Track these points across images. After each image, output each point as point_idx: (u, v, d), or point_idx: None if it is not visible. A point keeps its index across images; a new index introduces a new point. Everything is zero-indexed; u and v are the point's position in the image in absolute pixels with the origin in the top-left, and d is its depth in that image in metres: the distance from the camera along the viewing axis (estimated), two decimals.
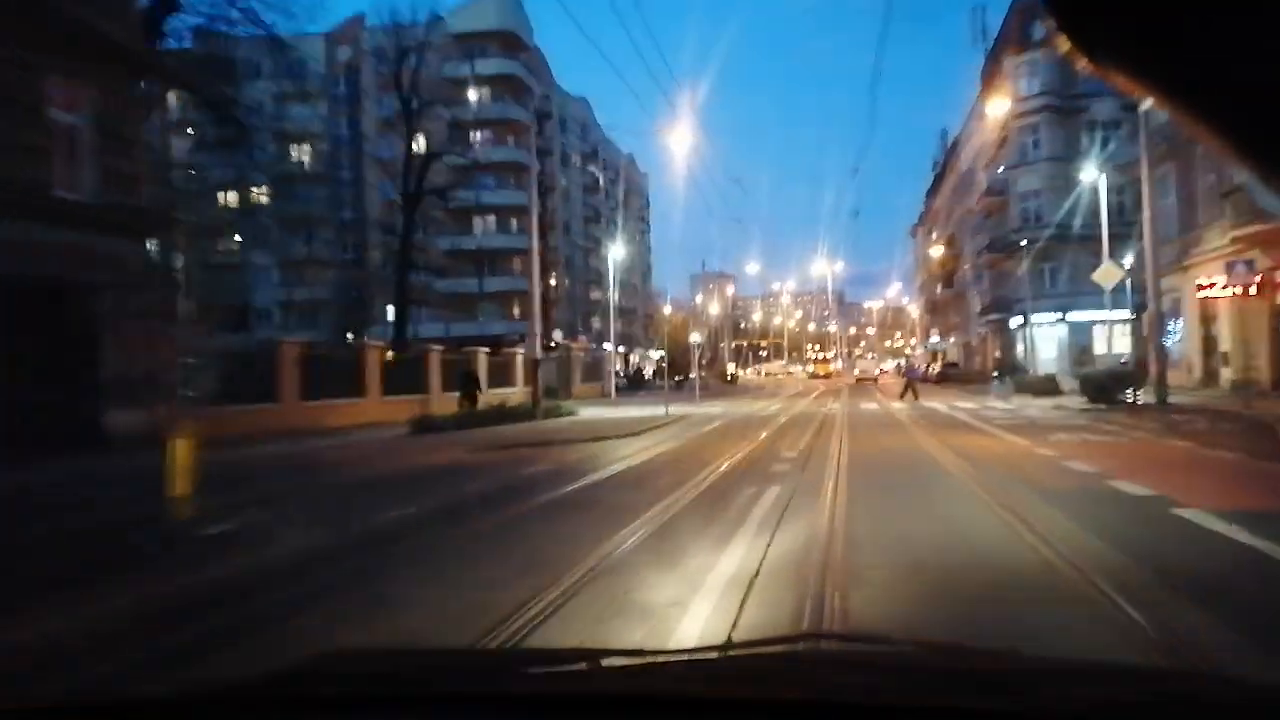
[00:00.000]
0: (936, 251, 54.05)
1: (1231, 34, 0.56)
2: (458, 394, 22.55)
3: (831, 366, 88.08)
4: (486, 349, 28.60)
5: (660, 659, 1.56)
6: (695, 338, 26.66)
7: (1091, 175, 26.34)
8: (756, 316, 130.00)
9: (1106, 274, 21.95)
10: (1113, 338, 46.15)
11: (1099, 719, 1.06)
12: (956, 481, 8.57)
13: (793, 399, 32.84)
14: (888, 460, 10.71)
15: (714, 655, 1.57)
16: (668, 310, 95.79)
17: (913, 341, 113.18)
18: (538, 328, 21.27)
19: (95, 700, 1.31)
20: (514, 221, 51.82)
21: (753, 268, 57.61)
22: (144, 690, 1.40)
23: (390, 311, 53.72)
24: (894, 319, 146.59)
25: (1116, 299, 44.49)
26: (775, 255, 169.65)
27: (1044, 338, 45.42)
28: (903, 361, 30.86)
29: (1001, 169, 49.94)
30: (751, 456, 11.78)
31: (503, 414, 20.61)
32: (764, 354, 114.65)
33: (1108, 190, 44.54)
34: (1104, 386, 20.13)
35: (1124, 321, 45.11)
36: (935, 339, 66.84)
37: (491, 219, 50.65)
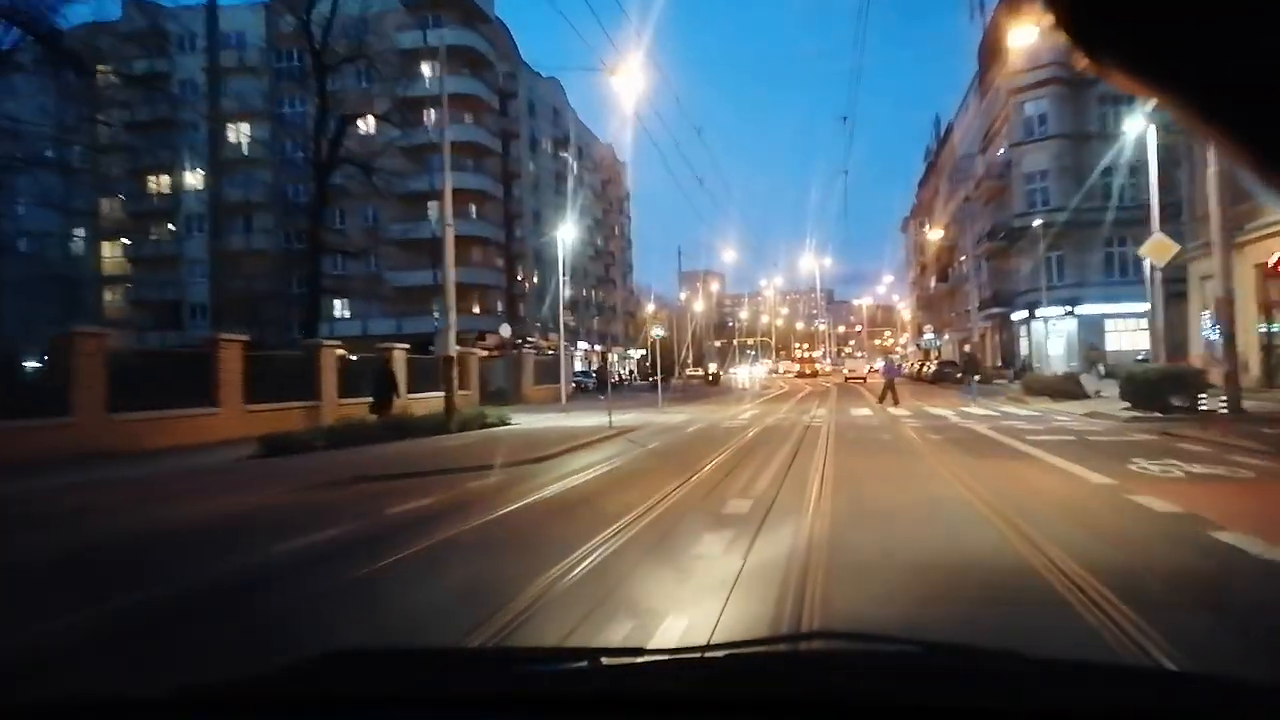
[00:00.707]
0: (936, 235, 49.91)
1: (1231, 32, 0.56)
2: (372, 400, 18.37)
3: (819, 365, 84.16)
4: (406, 345, 24.33)
5: (660, 658, 1.52)
6: (657, 332, 22.48)
7: (1138, 126, 22.15)
8: (744, 315, 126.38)
9: (1157, 248, 17.84)
10: (1121, 333, 42.64)
11: (1100, 719, 1.07)
12: (1055, 591, 4.17)
13: (773, 402, 28.74)
14: (906, 531, 6.01)
15: (714, 655, 1.46)
16: (651, 308, 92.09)
17: (903, 339, 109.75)
18: (452, 319, 17.12)
19: (95, 700, 1.28)
20: (474, 208, 47.53)
21: (729, 254, 53.39)
22: (144, 690, 1.29)
23: (337, 307, 49.54)
24: (884, 317, 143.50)
25: (1129, 291, 40.83)
26: (763, 254, 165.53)
27: (1051, 333, 41.51)
28: (888, 360, 26.83)
29: (1002, 151, 46.01)
30: (678, 508, 7.61)
31: (405, 426, 16.45)
32: (752, 353, 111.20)
33: (1126, 169, 40.83)
34: (1155, 390, 16.09)
35: (1138, 315, 41.36)
36: (929, 335, 62.96)
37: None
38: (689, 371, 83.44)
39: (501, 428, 18.50)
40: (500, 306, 51.13)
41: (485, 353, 36.41)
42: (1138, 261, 41.13)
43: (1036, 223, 37.82)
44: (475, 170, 46.38)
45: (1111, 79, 0.62)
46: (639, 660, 1.51)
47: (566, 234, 27.34)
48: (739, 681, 1.21)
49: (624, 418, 21.26)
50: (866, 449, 12.01)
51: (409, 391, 21.68)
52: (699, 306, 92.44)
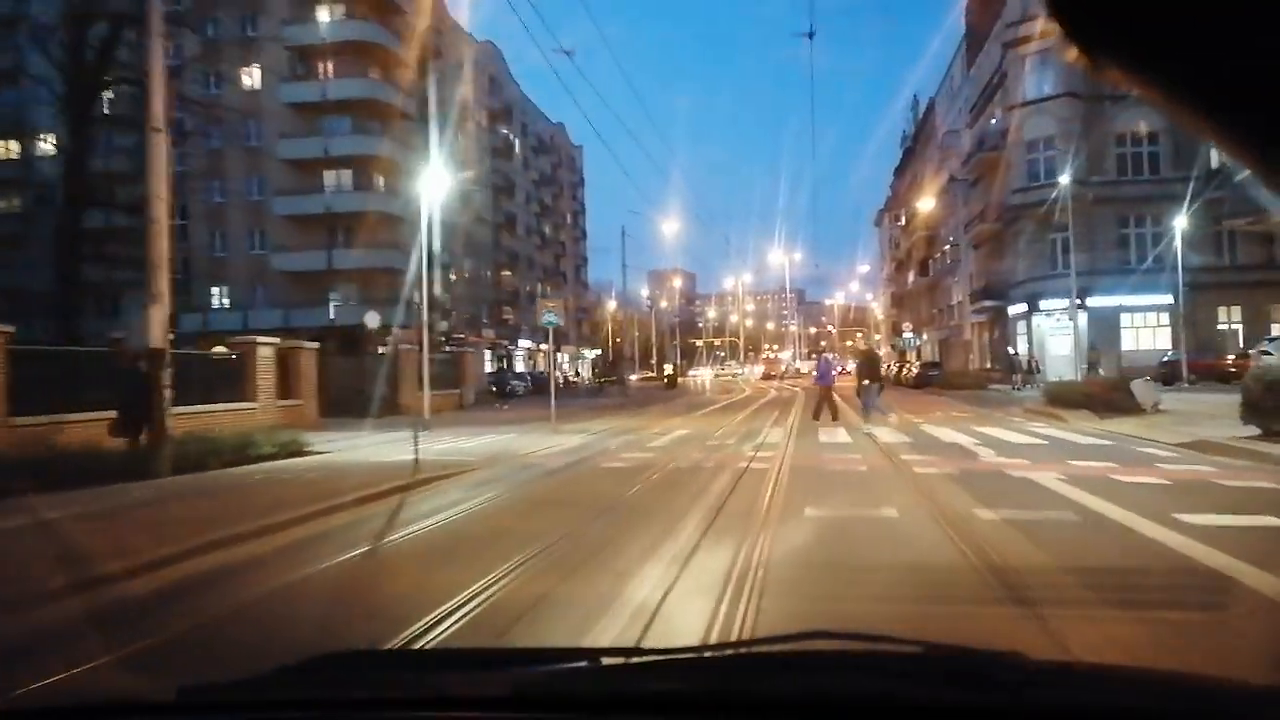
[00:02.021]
0: (927, 204, 42.98)
1: (1229, 31, 0.56)
2: (116, 415, 11.45)
3: (783, 366, 77.98)
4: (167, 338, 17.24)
5: (661, 658, 1.49)
6: (551, 318, 15.73)
7: None
8: (713, 314, 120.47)
9: None
10: (1139, 329, 36.49)
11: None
12: None
13: (719, 415, 22.01)
14: None
15: (714, 655, 1.48)
16: (612, 306, 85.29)
17: (876, 337, 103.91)
18: (162, 291, 10.20)
19: (95, 700, 1.28)
20: (380, 179, 40.40)
21: (671, 225, 46.81)
22: (144, 690, 1.34)
23: (217, 294, 42.19)
24: (858, 317, 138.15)
25: (1149, 281, 34.71)
26: (732, 252, 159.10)
27: (1055, 330, 35.28)
28: (822, 360, 20.10)
29: (996, 119, 39.77)
30: None
31: (80, 465, 9.55)
32: (722, 354, 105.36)
33: (1146, 135, 34.49)
34: None
35: (1159, 308, 35.24)
36: (908, 334, 56.75)
37: (347, 175, 39.16)
38: (644, 374, 77.38)
39: (253, 466, 11.59)
40: (417, 296, 43.96)
41: (382, 350, 29.56)
42: (1160, 244, 35.30)
43: (1053, 196, 31.31)
44: (382, 134, 39.26)
45: (1111, 77, 0.61)
46: (639, 660, 1.47)
47: (436, 191, 20.37)
48: (739, 681, 1.21)
49: (479, 442, 14.56)
50: (862, 560, 5.26)
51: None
52: (663, 304, 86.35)
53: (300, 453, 13.21)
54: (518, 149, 61.81)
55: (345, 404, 22.17)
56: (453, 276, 49.66)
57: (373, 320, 23.59)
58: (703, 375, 71.34)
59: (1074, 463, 9.58)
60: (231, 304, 39.84)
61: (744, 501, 7.36)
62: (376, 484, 8.95)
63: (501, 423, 18.94)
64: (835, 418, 17.15)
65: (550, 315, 16.88)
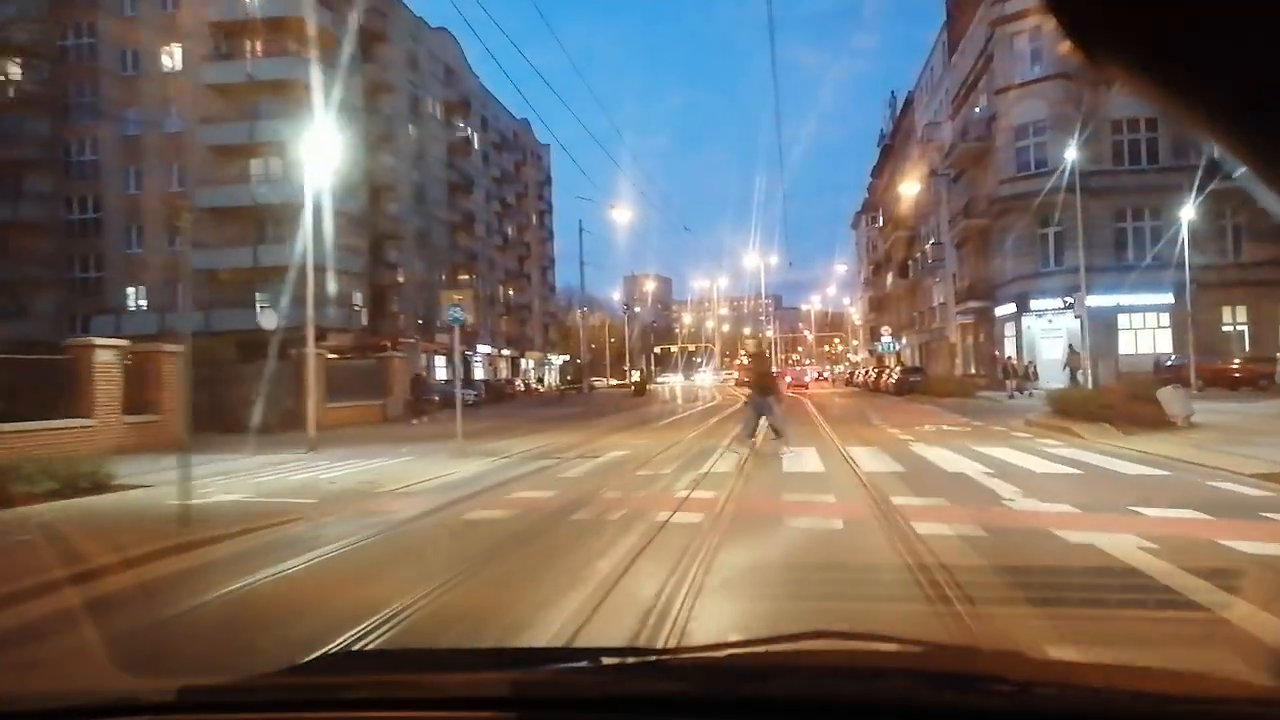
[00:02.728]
0: (910, 190, 39.50)
1: (1231, 33, 0.55)
2: None
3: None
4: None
5: (662, 658, 1.51)
6: (456, 315, 12.42)
7: None
8: (689, 319, 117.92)
9: None
10: (1137, 330, 33.85)
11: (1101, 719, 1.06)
12: None
13: (674, 429, 18.83)
14: None
15: (714, 655, 1.45)
16: (583, 311, 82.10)
17: (854, 343, 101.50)
18: None
19: (96, 700, 1.29)
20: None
21: (623, 211, 43.79)
22: (145, 690, 1.29)
23: (133, 295, 38.52)
24: (834, 322, 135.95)
25: (1148, 279, 32.09)
26: (707, 256, 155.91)
27: (1046, 332, 32.56)
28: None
29: (980, 108, 37.12)
30: None
31: None
32: (699, 360, 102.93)
33: (1144, 119, 31.64)
34: None
35: (1159, 308, 32.57)
36: (887, 339, 53.98)
37: (277, 164, 35.75)
38: (616, 380, 74.40)
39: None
40: (360, 298, 40.61)
41: (333, 354, 26.35)
42: (1160, 240, 32.69)
43: (1049, 186, 28.59)
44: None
45: (1112, 77, 0.60)
46: (639, 660, 1.46)
47: (323, 173, 17.12)
48: (739, 681, 1.20)
49: (353, 471, 11.52)
50: None
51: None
52: (636, 309, 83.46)
53: (104, 488, 10.00)
54: (476, 144, 58.54)
55: (237, 418, 18.87)
56: (401, 278, 46.37)
57: (270, 321, 20.29)
58: (672, 381, 68.36)
59: (1143, 512, 6.58)
60: (150, 305, 36.26)
61: (625, 618, 4.23)
62: (89, 558, 5.81)
63: (410, 439, 15.77)
64: (779, 434, 13.71)
65: (456, 311, 13.65)
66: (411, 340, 44.58)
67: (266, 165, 35.73)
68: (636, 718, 1.12)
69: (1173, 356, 28.86)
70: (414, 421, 21.05)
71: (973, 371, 39.32)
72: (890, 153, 67.17)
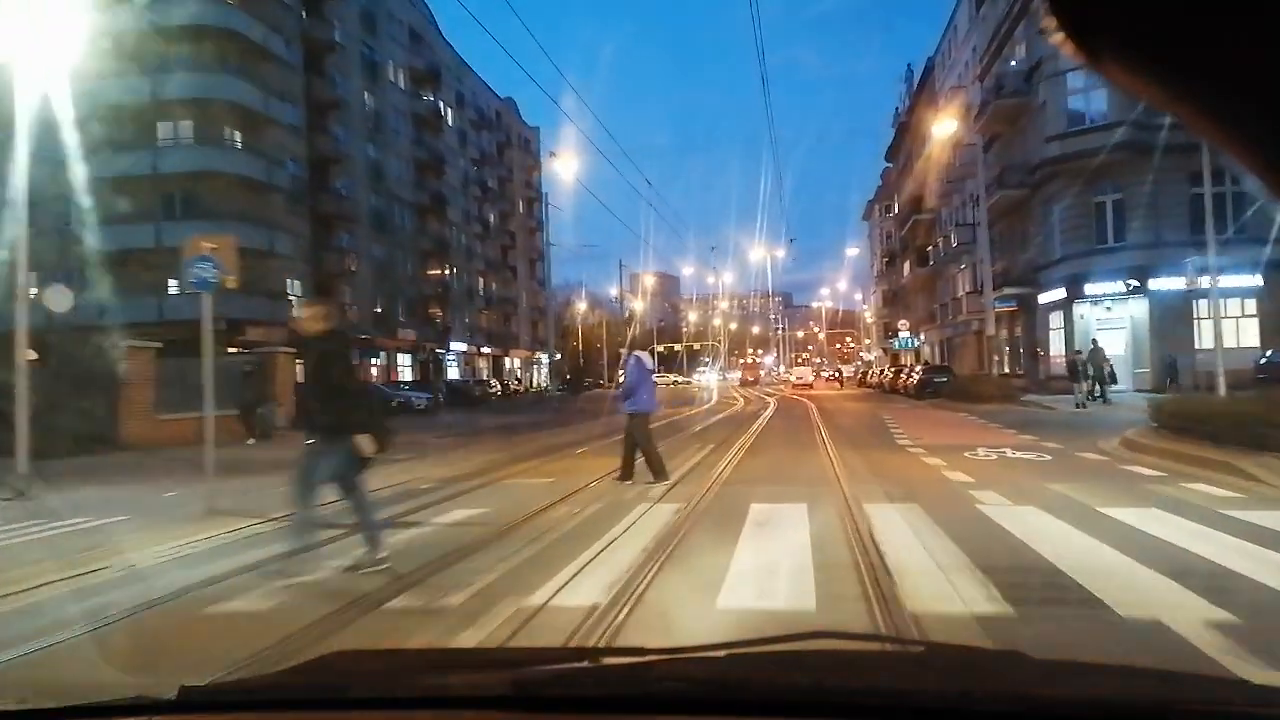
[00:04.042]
0: (944, 128, 31.70)
1: (1236, 35, 0.54)
2: None
3: (763, 371, 70.27)
4: None
5: (661, 658, 1.47)
6: (202, 274, 6.90)
7: None
8: (694, 318, 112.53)
9: None
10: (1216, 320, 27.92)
11: (1101, 719, 1.05)
12: None
13: (590, 459, 13.30)
14: None
15: (716, 654, 1.45)
16: (582, 307, 76.82)
17: (866, 342, 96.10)
18: None
19: (96, 700, 1.29)
20: (234, 132, 31.62)
21: (567, 161, 38.28)
22: (145, 690, 1.29)
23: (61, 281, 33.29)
24: (845, 320, 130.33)
25: (1232, 258, 26.24)
26: (714, 253, 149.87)
27: (1104, 322, 26.91)
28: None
29: (1015, 60, 31.47)
30: None
31: None
32: (706, 359, 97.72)
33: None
34: None
35: (1245, 293, 26.75)
36: (904, 334, 48.33)
37: (187, 126, 30.43)
38: (616, 380, 69.09)
39: None
40: (296, 286, 35.23)
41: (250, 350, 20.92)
42: (1248, 208, 26.91)
43: (1084, 148, 23.01)
44: (239, 74, 30.58)
45: (1117, 82, 0.58)
46: (640, 660, 1.47)
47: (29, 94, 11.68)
48: (740, 681, 1.20)
49: None
50: None
51: None
52: (638, 306, 78.23)
53: None
54: (451, 120, 53.18)
55: (44, 435, 13.55)
56: (353, 266, 41.03)
57: (61, 302, 14.92)
58: (671, 381, 62.83)
59: None
60: (39, 294, 30.94)
61: None
62: None
63: (227, 469, 10.20)
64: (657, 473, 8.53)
65: (202, 267, 8.13)
66: (365, 336, 39.30)
67: (176, 129, 30.35)
68: (637, 717, 1.11)
69: (1267, 353, 23.14)
70: (250, 442, 15.61)
71: (1006, 370, 33.70)
72: (906, 131, 61.42)
